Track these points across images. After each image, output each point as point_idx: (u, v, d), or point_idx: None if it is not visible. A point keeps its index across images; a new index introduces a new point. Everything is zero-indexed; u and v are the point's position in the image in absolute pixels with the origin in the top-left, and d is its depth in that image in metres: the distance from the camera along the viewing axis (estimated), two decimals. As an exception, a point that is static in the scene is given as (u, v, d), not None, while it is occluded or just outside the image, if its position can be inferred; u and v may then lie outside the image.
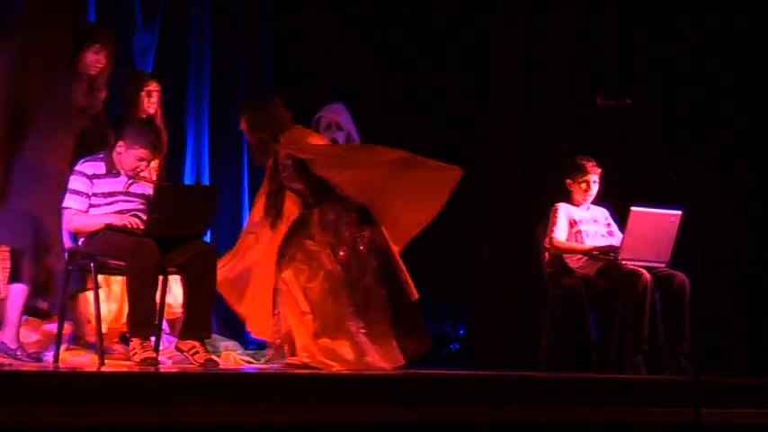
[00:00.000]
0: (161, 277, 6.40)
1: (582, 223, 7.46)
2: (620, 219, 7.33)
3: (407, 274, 6.83)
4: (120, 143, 6.48)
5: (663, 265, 7.23)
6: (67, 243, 6.51)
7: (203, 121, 8.38)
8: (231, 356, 7.12)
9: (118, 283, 6.94)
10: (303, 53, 8.79)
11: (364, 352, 6.54)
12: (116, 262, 6.33)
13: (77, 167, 6.50)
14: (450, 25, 8.99)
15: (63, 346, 6.56)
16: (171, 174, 7.51)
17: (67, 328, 6.65)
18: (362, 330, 6.60)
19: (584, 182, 7.46)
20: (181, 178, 8.09)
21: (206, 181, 8.24)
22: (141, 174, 6.50)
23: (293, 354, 6.61)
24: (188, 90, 8.34)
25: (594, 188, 7.47)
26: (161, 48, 8.18)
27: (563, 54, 8.83)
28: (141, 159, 6.45)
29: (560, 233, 7.41)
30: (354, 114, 8.51)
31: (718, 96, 8.72)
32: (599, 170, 7.47)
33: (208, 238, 7.22)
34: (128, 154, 6.44)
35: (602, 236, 7.46)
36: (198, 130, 8.33)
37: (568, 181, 7.51)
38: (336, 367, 6.46)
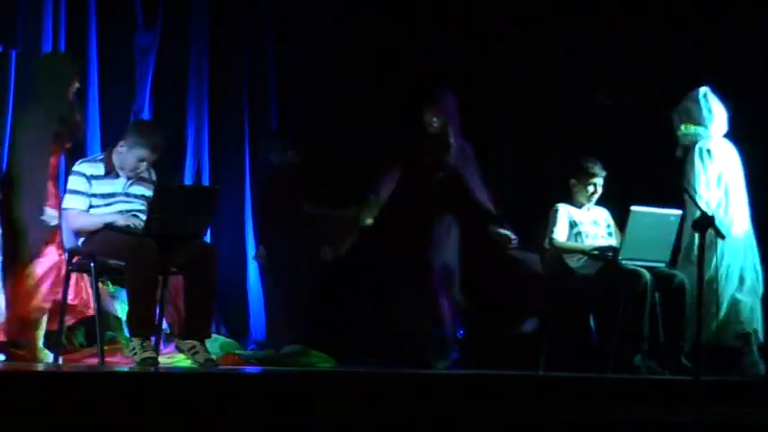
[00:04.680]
0: (161, 277, 6.41)
1: (582, 224, 7.46)
2: (621, 219, 7.32)
3: None
4: (122, 143, 6.46)
5: (663, 265, 7.23)
6: (67, 243, 6.50)
7: (203, 121, 8.37)
8: (231, 356, 7.13)
9: None
10: (304, 53, 8.79)
11: None
12: (116, 262, 6.33)
13: (75, 168, 6.48)
14: (449, 26, 8.99)
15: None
16: (171, 174, 7.51)
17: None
18: None
19: (589, 184, 7.45)
20: (181, 178, 8.09)
21: (206, 181, 8.23)
22: (141, 174, 6.48)
23: None
24: (188, 89, 8.32)
25: (599, 191, 7.46)
26: (162, 47, 8.17)
27: (561, 54, 8.83)
28: (142, 160, 6.44)
29: (560, 234, 7.41)
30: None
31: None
32: (604, 173, 7.46)
33: (208, 238, 7.22)
34: (129, 154, 6.43)
35: (602, 237, 7.46)
36: (198, 129, 8.32)
37: (573, 181, 7.50)
38: None
